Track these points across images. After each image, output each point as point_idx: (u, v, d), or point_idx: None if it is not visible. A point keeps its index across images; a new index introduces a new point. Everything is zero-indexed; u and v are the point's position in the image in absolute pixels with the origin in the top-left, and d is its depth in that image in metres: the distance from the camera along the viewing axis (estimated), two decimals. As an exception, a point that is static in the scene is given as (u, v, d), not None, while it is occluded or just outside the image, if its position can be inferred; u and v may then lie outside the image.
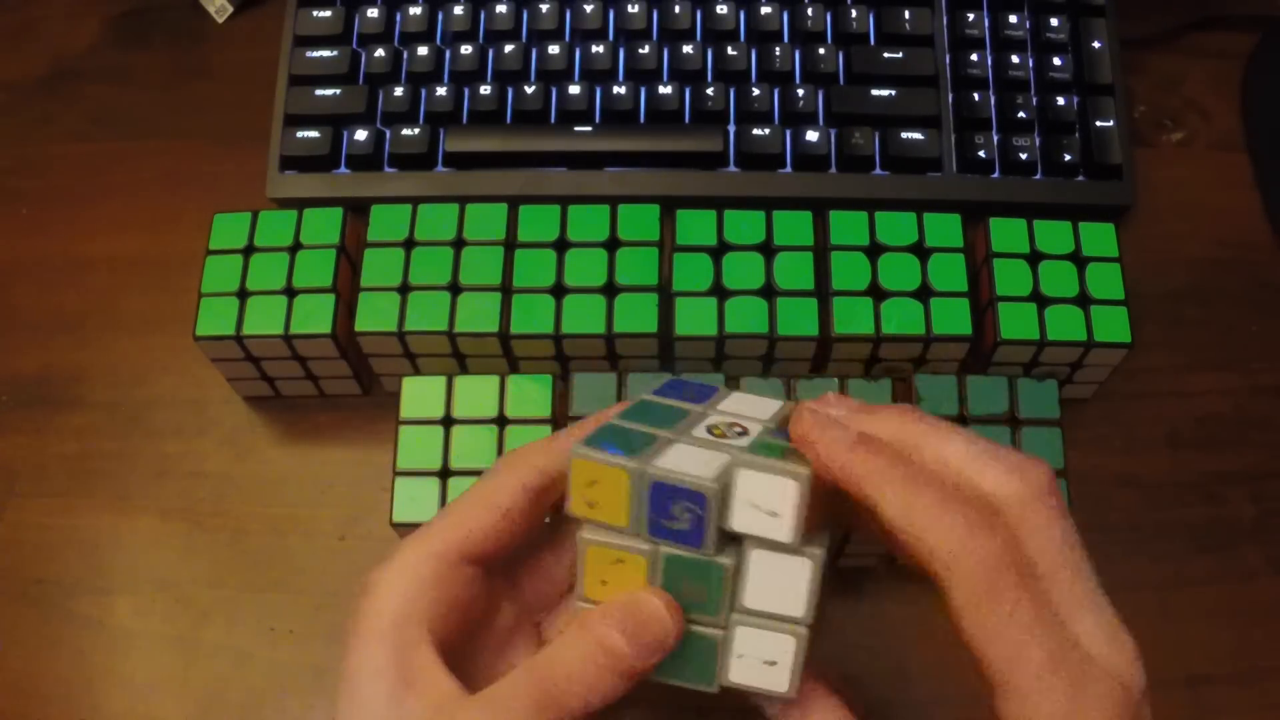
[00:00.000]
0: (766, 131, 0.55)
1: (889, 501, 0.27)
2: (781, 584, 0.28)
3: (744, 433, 0.30)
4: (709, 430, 0.30)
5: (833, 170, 0.55)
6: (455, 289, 0.49)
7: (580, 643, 0.28)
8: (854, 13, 0.57)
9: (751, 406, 0.32)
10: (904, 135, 0.55)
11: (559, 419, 0.48)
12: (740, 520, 0.28)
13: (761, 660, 0.28)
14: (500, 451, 0.47)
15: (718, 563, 0.28)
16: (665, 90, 0.56)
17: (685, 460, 0.28)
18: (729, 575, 0.28)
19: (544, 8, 0.58)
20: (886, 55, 0.57)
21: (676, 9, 0.58)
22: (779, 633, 0.28)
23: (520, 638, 0.33)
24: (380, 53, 0.57)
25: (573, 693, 0.27)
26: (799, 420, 0.29)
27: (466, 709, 0.27)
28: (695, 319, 0.48)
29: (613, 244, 0.50)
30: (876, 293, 0.49)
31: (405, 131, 0.56)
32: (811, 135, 0.55)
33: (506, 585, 0.33)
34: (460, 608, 0.30)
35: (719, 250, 0.50)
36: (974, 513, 0.26)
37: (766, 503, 0.27)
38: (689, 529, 0.27)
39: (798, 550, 0.28)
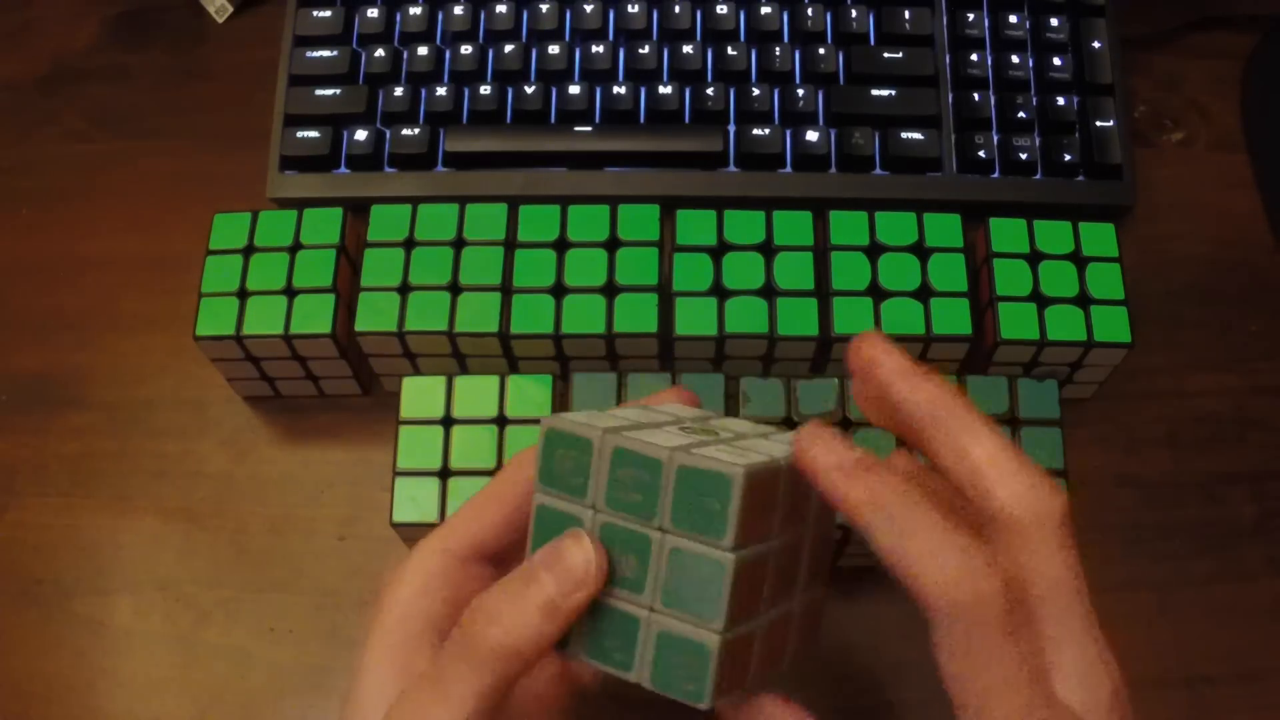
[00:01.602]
0: (766, 131, 0.55)
1: (882, 533, 0.27)
2: (702, 583, 0.27)
3: (736, 437, 0.30)
4: (682, 429, 0.30)
5: (833, 170, 0.55)
6: (455, 289, 0.49)
7: (507, 585, 0.28)
8: (854, 13, 0.57)
9: (764, 431, 0.32)
10: (904, 135, 0.55)
11: None
12: (680, 509, 0.27)
13: (680, 665, 0.28)
14: (500, 451, 0.47)
15: (647, 534, 0.27)
16: (665, 90, 0.56)
17: (652, 437, 0.28)
18: (657, 549, 0.27)
19: (544, 8, 0.58)
20: (886, 55, 0.57)
21: (676, 9, 0.58)
22: (696, 637, 0.27)
23: None
24: (380, 53, 0.57)
25: (499, 636, 0.27)
26: (801, 433, 0.29)
27: (417, 684, 0.28)
28: (695, 319, 0.48)
29: (613, 244, 0.50)
30: (876, 293, 0.49)
31: (405, 131, 0.56)
32: (811, 135, 0.55)
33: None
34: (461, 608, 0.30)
35: (719, 250, 0.50)
36: (966, 558, 0.26)
37: (708, 495, 0.27)
38: (640, 502, 0.27)
39: (725, 549, 0.27)
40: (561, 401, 0.49)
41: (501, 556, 0.31)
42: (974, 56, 0.57)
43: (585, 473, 0.28)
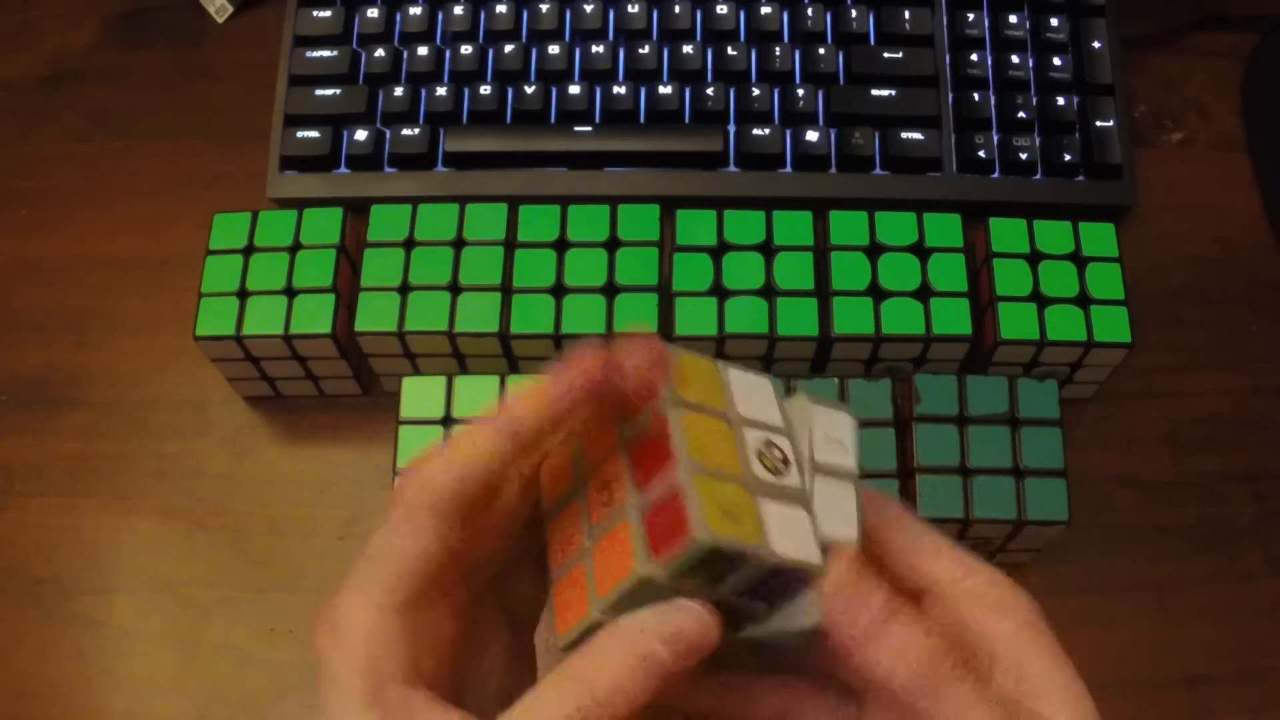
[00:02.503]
0: (766, 131, 0.55)
1: (909, 698, 0.27)
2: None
3: (784, 460, 0.29)
4: (759, 459, 0.29)
5: (833, 170, 0.55)
6: (455, 289, 0.49)
7: (619, 650, 0.26)
8: (854, 13, 0.57)
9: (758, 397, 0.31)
10: (904, 135, 0.55)
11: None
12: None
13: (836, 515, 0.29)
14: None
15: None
16: (665, 90, 0.56)
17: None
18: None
19: (544, 8, 0.58)
20: (886, 55, 0.57)
21: (676, 9, 0.58)
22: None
23: (520, 658, 0.31)
24: (380, 53, 0.57)
25: (611, 702, 0.26)
26: (831, 586, 0.28)
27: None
28: (695, 319, 0.48)
29: (613, 244, 0.50)
30: (876, 293, 0.49)
31: (405, 131, 0.56)
32: (811, 135, 0.55)
33: (496, 604, 0.31)
34: (439, 647, 0.28)
35: (719, 250, 0.50)
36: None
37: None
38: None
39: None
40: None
41: (434, 595, 0.28)
42: (974, 56, 0.57)
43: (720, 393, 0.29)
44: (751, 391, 0.30)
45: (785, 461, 0.28)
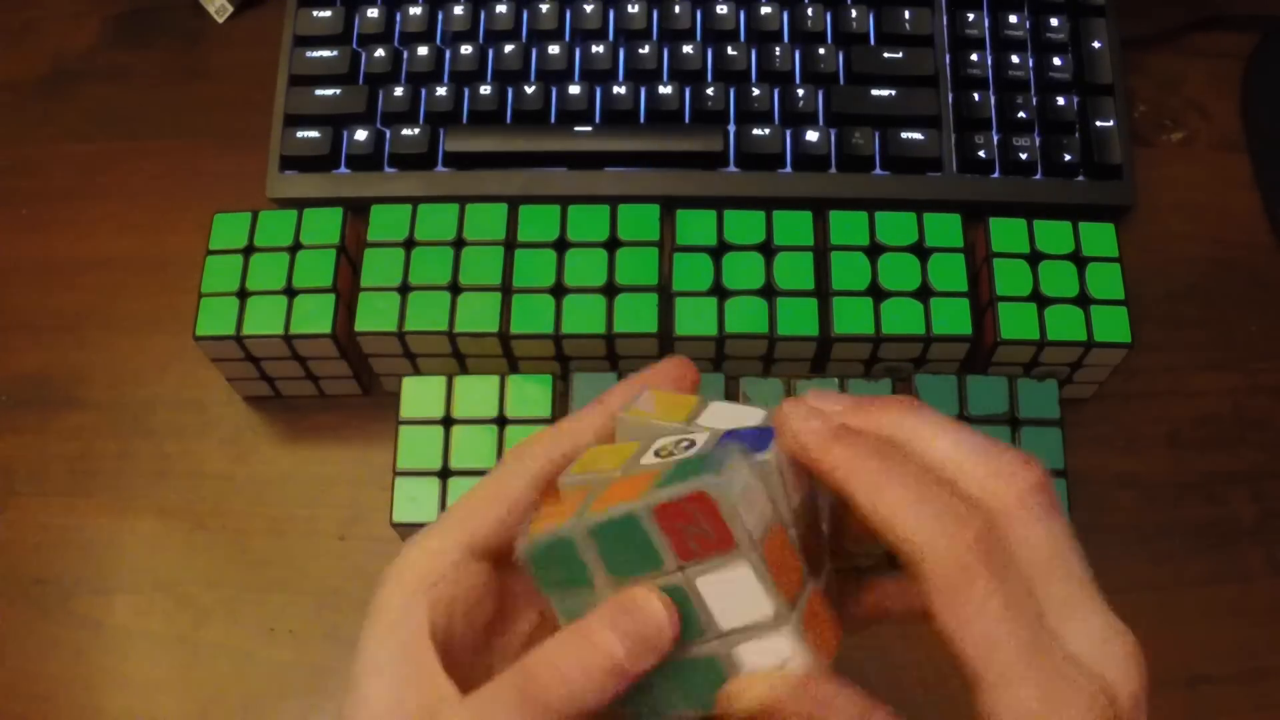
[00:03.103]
0: (766, 131, 0.55)
1: (861, 492, 0.26)
2: (742, 593, 0.27)
3: (690, 445, 0.29)
4: (658, 454, 0.29)
5: (833, 170, 0.55)
6: (455, 289, 0.49)
7: (572, 643, 0.27)
8: (854, 13, 0.57)
9: (735, 415, 0.32)
10: (904, 135, 0.55)
11: (559, 419, 0.48)
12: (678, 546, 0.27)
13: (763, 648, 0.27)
14: (500, 452, 0.47)
15: (672, 581, 0.27)
16: (665, 90, 0.56)
17: (623, 490, 0.28)
18: (688, 588, 0.27)
19: (544, 8, 0.58)
20: (886, 55, 0.57)
21: (676, 9, 0.58)
22: (772, 635, 0.27)
23: (548, 631, 0.32)
24: (380, 53, 0.57)
25: (562, 695, 0.27)
26: (779, 411, 0.28)
27: (455, 711, 0.27)
28: (695, 319, 0.48)
29: (613, 244, 0.50)
30: (876, 293, 0.49)
31: (405, 131, 0.56)
32: (811, 135, 0.55)
33: (527, 588, 0.32)
34: (468, 605, 0.30)
35: (719, 250, 0.50)
36: (946, 504, 0.26)
37: (696, 521, 0.27)
38: (644, 558, 0.27)
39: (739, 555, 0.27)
40: (561, 402, 0.49)
41: (500, 553, 0.31)
42: (974, 56, 0.57)
43: (580, 564, 0.28)
44: (730, 415, 0.30)
45: (689, 446, 0.28)
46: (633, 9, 0.58)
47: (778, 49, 0.57)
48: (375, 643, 0.29)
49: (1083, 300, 0.49)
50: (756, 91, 0.56)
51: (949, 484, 0.27)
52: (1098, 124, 0.55)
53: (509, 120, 0.56)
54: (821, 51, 0.57)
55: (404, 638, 0.29)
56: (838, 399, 0.30)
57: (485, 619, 0.31)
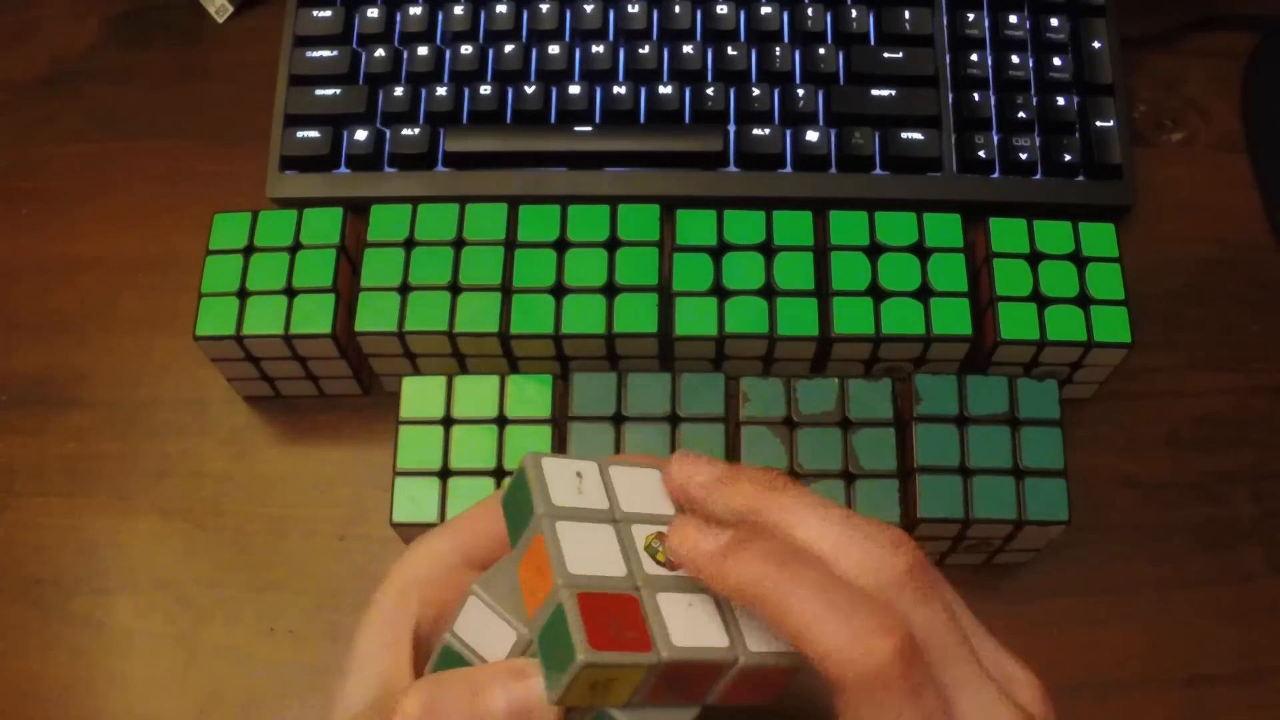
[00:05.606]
0: (766, 131, 0.55)
1: (766, 609, 0.25)
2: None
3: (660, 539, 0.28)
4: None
5: (833, 170, 0.55)
6: (455, 289, 0.49)
7: (457, 690, 0.27)
8: (854, 13, 0.57)
9: (635, 490, 0.30)
10: (904, 135, 0.55)
11: (559, 419, 0.48)
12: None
13: None
14: (500, 451, 0.47)
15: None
16: (665, 90, 0.56)
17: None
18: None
19: (544, 8, 0.58)
20: (886, 55, 0.57)
21: (676, 9, 0.58)
22: None
23: None
24: (380, 53, 0.57)
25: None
26: (671, 532, 0.27)
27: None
28: (695, 319, 0.48)
29: (613, 244, 0.50)
30: (876, 293, 0.49)
31: (405, 131, 0.56)
32: (811, 135, 0.55)
33: None
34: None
35: (719, 250, 0.50)
36: (856, 612, 0.24)
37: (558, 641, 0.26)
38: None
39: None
40: (561, 402, 0.49)
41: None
42: (974, 56, 0.57)
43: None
44: (629, 483, 0.30)
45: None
46: (633, 9, 0.58)
47: (778, 49, 0.57)
48: (363, 637, 0.30)
49: (1083, 300, 0.49)
50: (756, 91, 0.56)
51: (848, 585, 0.25)
52: (1098, 124, 0.55)
53: (509, 120, 0.56)
54: (821, 51, 0.57)
55: (390, 635, 0.30)
56: (709, 465, 0.29)
57: None
